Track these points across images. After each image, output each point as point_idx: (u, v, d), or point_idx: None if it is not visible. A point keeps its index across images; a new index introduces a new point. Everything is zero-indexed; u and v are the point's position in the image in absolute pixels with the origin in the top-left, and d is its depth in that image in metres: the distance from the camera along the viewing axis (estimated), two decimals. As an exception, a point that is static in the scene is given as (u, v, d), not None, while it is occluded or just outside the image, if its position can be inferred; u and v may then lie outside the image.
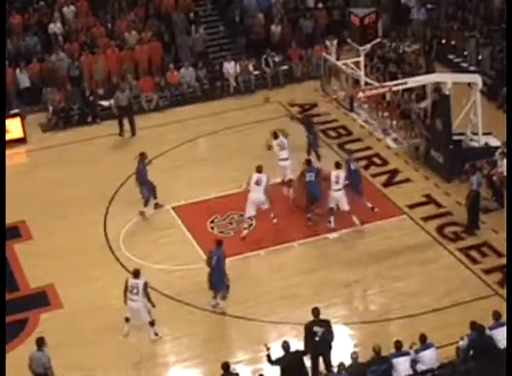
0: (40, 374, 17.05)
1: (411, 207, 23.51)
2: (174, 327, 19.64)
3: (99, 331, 19.44)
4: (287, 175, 23.90)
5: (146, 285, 18.67)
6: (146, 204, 23.56)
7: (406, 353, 16.74)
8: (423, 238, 22.29)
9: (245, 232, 22.26)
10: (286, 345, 16.71)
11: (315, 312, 17.41)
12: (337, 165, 22.72)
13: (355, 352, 16.74)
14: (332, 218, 22.49)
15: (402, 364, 16.61)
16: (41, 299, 20.62)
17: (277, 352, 16.70)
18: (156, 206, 23.86)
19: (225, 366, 16.41)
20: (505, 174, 22.52)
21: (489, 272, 20.77)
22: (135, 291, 18.54)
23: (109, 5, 32.51)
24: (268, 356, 16.64)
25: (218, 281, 19.57)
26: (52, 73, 29.95)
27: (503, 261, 20.76)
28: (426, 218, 23.01)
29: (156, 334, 19.08)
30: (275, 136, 23.98)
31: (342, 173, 22.44)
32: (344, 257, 21.63)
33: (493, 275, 20.67)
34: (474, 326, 16.90)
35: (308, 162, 23.21)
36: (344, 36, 31.25)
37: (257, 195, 22.13)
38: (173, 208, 23.80)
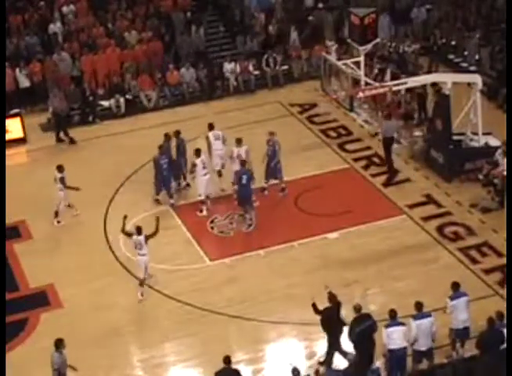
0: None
1: (411, 207, 23.51)
2: (174, 327, 19.64)
3: (99, 331, 19.46)
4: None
5: (146, 238, 20.14)
6: (170, 195, 24.09)
7: (401, 323, 17.00)
8: (423, 238, 22.28)
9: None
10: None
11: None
12: (198, 152, 23.21)
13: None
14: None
15: (396, 334, 16.89)
16: (41, 299, 20.62)
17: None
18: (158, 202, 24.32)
19: (227, 360, 16.28)
20: (505, 174, 22.51)
21: (489, 272, 20.79)
22: (139, 246, 20.16)
23: (109, 5, 32.52)
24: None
25: (249, 196, 22.37)
26: (54, 72, 29.94)
27: (503, 261, 20.76)
28: (426, 218, 23.01)
29: (142, 295, 20.14)
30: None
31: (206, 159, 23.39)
32: (344, 257, 21.63)
33: (493, 275, 20.69)
34: (456, 287, 17.54)
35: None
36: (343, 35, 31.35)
37: None
38: (173, 208, 23.80)
